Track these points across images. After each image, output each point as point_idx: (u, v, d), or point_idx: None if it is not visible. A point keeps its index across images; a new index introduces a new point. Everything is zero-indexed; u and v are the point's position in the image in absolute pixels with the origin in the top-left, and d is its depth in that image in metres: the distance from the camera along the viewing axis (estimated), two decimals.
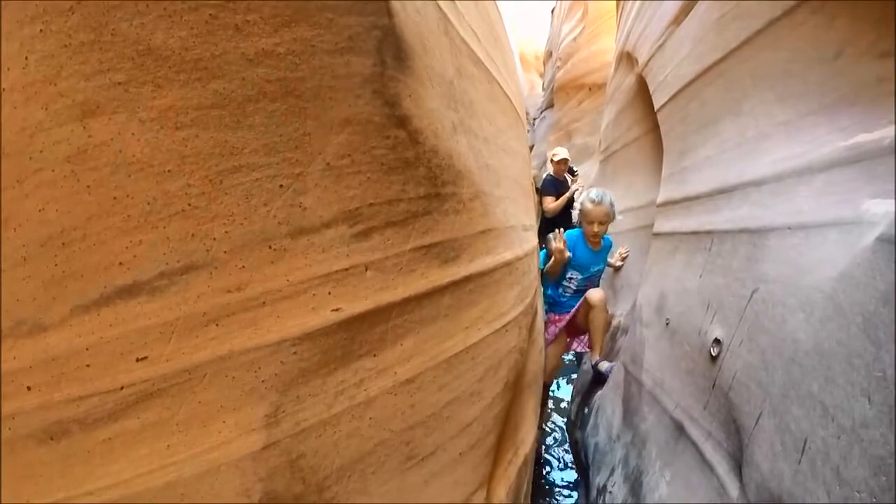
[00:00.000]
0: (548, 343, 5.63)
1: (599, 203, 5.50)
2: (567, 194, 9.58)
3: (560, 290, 5.88)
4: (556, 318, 5.85)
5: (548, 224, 9.01)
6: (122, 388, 1.55)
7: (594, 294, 5.61)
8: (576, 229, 5.85)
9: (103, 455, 1.56)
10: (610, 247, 6.00)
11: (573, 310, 5.75)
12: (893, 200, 1.85)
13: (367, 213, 1.90)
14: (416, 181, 2.04)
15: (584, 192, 5.79)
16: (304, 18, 1.65)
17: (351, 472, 1.95)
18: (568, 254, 5.48)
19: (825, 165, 2.34)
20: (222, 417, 1.66)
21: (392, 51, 1.88)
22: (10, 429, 1.51)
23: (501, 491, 2.82)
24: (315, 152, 1.74)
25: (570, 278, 5.78)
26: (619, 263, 6.19)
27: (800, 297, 2.13)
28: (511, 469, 2.99)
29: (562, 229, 5.71)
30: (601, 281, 6.14)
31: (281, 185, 1.69)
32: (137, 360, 1.55)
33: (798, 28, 2.75)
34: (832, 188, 2.24)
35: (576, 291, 5.82)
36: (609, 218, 5.63)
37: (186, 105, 1.53)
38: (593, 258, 5.76)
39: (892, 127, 2.05)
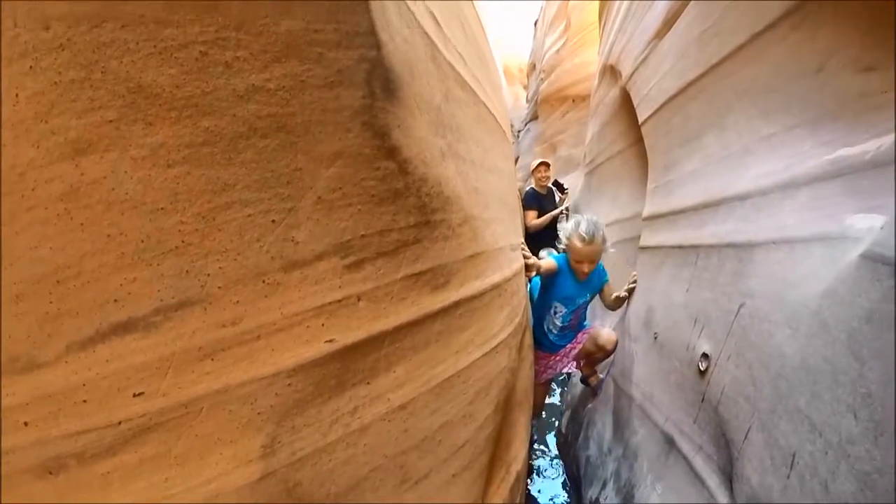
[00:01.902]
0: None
1: (591, 242, 4.74)
2: (552, 213, 9.30)
3: (545, 324, 5.33)
4: (542, 359, 5.37)
5: (531, 240, 7.95)
6: (119, 423, 1.55)
7: (608, 340, 5.01)
8: (560, 256, 5.18)
9: (102, 489, 1.56)
10: (601, 274, 5.21)
11: (567, 350, 5.38)
12: (877, 216, 1.87)
13: (359, 245, 1.91)
14: (406, 210, 2.05)
15: (573, 223, 4.90)
16: (294, 54, 1.67)
17: (346, 498, 1.97)
18: (544, 269, 4.90)
19: (809, 180, 2.36)
20: (219, 450, 1.67)
21: (381, 82, 1.89)
22: (7, 463, 1.50)
23: None
24: (306, 187, 1.75)
25: (555, 312, 5.23)
26: (624, 294, 5.11)
27: (786, 313, 2.16)
28: (503, 487, 3.00)
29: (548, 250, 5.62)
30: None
31: (273, 221, 1.70)
32: (134, 395, 1.56)
33: (780, 43, 2.77)
34: (816, 203, 2.26)
35: (561, 329, 5.28)
36: (600, 257, 5.00)
37: (178, 142, 1.54)
38: (580, 290, 5.14)
39: (875, 141, 2.07)
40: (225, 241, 1.63)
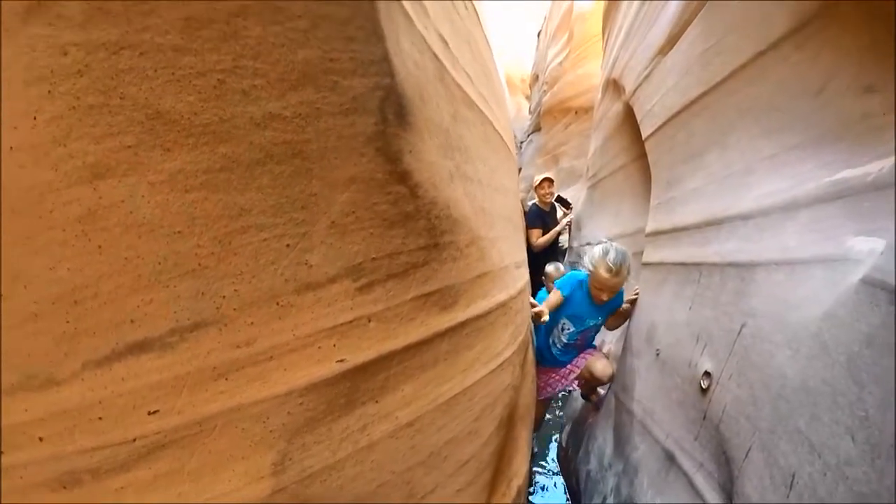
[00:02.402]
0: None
1: (617, 275, 4.60)
2: (556, 230, 9.18)
3: (550, 339, 5.29)
4: (542, 374, 5.31)
5: (534, 258, 7.98)
6: (134, 439, 1.57)
7: (603, 373, 5.01)
8: (582, 273, 5.07)
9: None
10: (618, 298, 5.04)
11: (566, 372, 5.34)
12: (877, 239, 1.88)
13: (370, 268, 1.94)
14: (416, 233, 2.08)
15: (600, 250, 4.68)
16: (310, 82, 1.70)
17: None
18: (545, 318, 4.67)
19: (810, 201, 2.36)
20: (232, 466, 1.70)
21: (394, 108, 1.92)
22: (21, 477, 1.52)
23: None
24: (321, 211, 1.78)
25: (563, 328, 5.16)
26: (626, 306, 5.06)
27: (787, 334, 2.17)
28: (505, 501, 3.01)
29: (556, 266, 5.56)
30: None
31: (288, 245, 1.73)
32: (149, 413, 1.58)
33: (782, 62, 2.78)
34: (817, 224, 2.27)
35: (566, 346, 5.23)
36: (622, 287, 4.89)
37: (196, 168, 1.56)
38: (592, 312, 5.04)
39: (876, 163, 2.08)
40: (240, 265, 1.66)
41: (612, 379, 5.00)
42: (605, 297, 4.80)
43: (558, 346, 5.21)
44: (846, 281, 1.89)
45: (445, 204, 2.24)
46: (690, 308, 3.26)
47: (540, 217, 9.21)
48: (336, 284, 1.86)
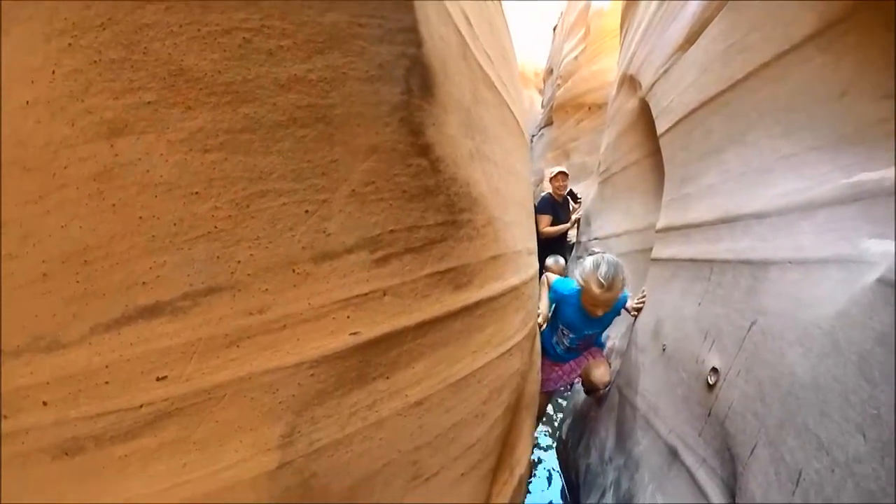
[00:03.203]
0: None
1: (609, 289, 4.41)
2: (564, 226, 9.32)
3: (553, 338, 5.22)
4: (546, 367, 5.17)
5: (542, 246, 8.00)
6: (140, 406, 1.56)
7: (600, 380, 4.90)
8: (572, 284, 4.91)
9: (119, 472, 1.58)
10: (617, 311, 4.91)
11: (568, 370, 5.37)
12: (892, 241, 1.89)
13: (388, 240, 1.92)
14: (435, 208, 2.06)
15: (591, 264, 4.51)
16: (337, 46, 1.68)
17: (360, 491, 1.98)
18: (542, 324, 4.78)
19: (827, 202, 2.35)
20: (239, 437, 1.69)
21: (419, 79, 1.90)
22: (23, 442, 1.52)
23: None
24: (341, 179, 1.76)
25: (563, 332, 5.11)
26: (634, 314, 4.77)
27: (798, 332, 2.16)
28: (507, 489, 3.00)
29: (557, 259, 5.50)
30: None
31: (307, 211, 1.71)
32: (157, 379, 1.57)
33: (805, 64, 2.76)
34: (833, 225, 2.26)
35: (568, 349, 5.19)
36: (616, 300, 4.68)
37: (216, 128, 1.54)
38: (588, 323, 4.90)
39: (893, 168, 2.08)
40: (257, 229, 1.64)
41: (608, 385, 4.95)
42: (599, 313, 4.70)
43: (561, 347, 5.18)
44: (860, 281, 1.88)
45: (465, 181, 2.22)
46: (700, 304, 3.24)
47: (551, 206, 9.32)
48: (353, 255, 1.84)
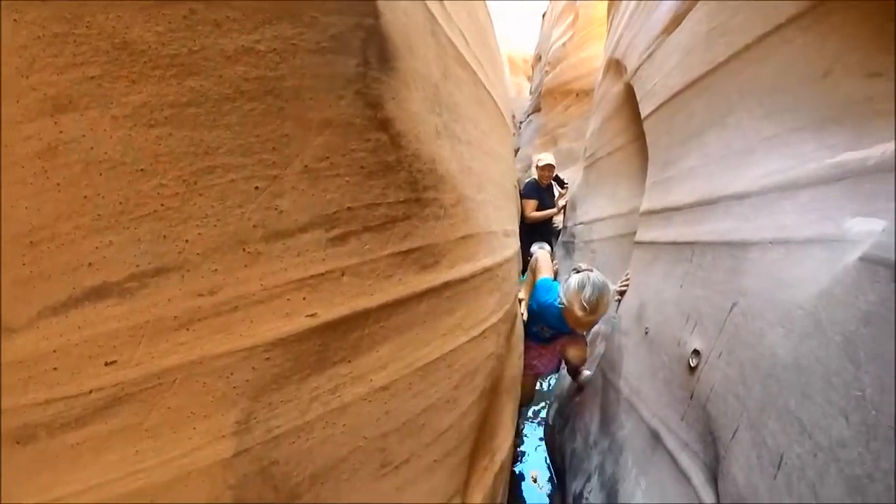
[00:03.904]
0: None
1: (593, 313, 4.24)
2: (548, 212, 9.37)
3: (534, 327, 5.07)
4: (531, 349, 5.16)
5: (527, 231, 8.51)
6: (90, 392, 1.52)
7: (575, 356, 5.05)
8: (555, 295, 4.66)
9: (72, 461, 1.54)
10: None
11: (553, 349, 5.31)
12: (877, 220, 1.85)
13: (345, 218, 1.87)
14: (396, 186, 2.02)
15: (576, 283, 4.29)
16: (287, 16, 1.63)
17: (324, 480, 1.93)
18: (524, 315, 4.78)
19: (810, 182, 2.33)
20: (192, 424, 1.64)
21: (377, 51, 1.86)
22: None
23: (478, 498, 2.80)
24: (293, 154, 1.71)
25: (544, 328, 5.05)
26: (617, 297, 4.71)
27: (780, 313, 2.13)
28: (487, 476, 2.97)
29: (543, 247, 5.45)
30: None
31: (257, 187, 1.66)
32: (106, 363, 1.53)
33: (788, 45, 2.73)
34: (816, 205, 2.24)
35: (551, 338, 5.20)
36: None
37: (161, 102, 1.50)
38: (567, 327, 4.75)
39: (879, 146, 2.04)
40: (205, 207, 1.59)
41: (584, 362, 5.03)
42: (581, 331, 4.75)
43: (545, 335, 5.14)
44: (844, 260, 1.84)
45: (430, 158, 2.18)
46: (681, 287, 3.23)
47: (537, 190, 9.31)
48: (307, 234, 1.79)
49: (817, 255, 2.06)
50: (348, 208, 1.87)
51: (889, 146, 1.98)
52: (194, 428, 1.64)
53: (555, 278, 5.15)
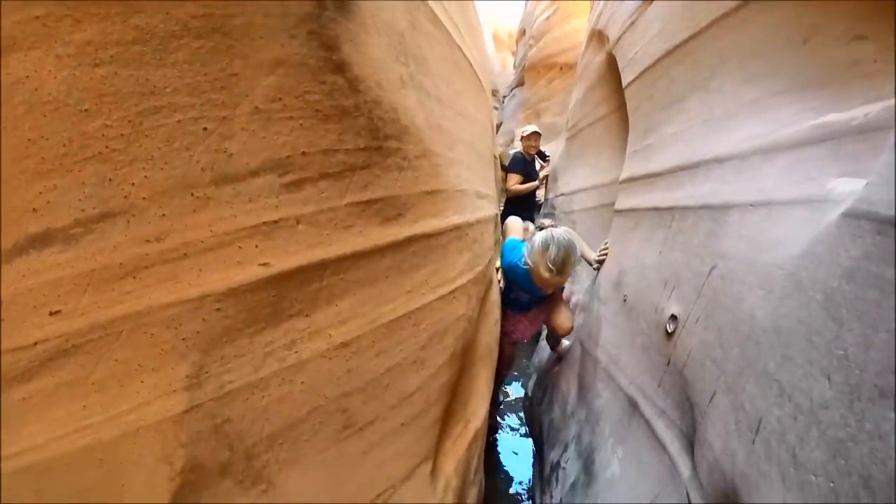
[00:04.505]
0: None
1: (560, 273, 4.19)
2: (532, 184, 9.07)
3: (512, 294, 4.97)
4: (510, 317, 5.12)
5: (511, 206, 8.52)
6: (35, 344, 1.47)
7: (560, 325, 4.94)
8: (520, 254, 4.56)
9: (20, 417, 1.49)
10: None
11: (533, 316, 5.24)
12: (860, 180, 1.78)
13: (300, 163, 1.82)
14: (354, 131, 1.96)
15: (540, 243, 4.22)
16: None
17: (282, 440, 1.89)
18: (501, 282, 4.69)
19: (792, 144, 2.31)
20: (140, 377, 1.58)
21: None
22: None
23: (450, 465, 2.78)
24: (242, 94, 1.66)
25: (518, 292, 4.93)
26: (596, 265, 4.79)
27: (759, 275, 2.10)
28: (460, 443, 2.95)
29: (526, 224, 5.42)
30: None
31: (205, 129, 1.60)
32: (51, 313, 1.48)
33: (769, 11, 2.71)
34: (798, 167, 2.22)
35: (528, 303, 5.08)
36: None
37: (106, 40, 1.45)
38: (539, 291, 4.70)
39: (863, 108, 2.01)
40: (151, 149, 1.54)
41: (571, 331, 4.94)
42: (548, 291, 4.63)
43: (520, 303, 5.06)
44: (826, 220, 1.79)
45: (392, 107, 2.13)
46: (660, 252, 3.21)
47: (522, 164, 9.11)
48: (259, 178, 1.74)
49: (798, 215, 2.03)
50: (303, 153, 1.82)
51: (874, 107, 1.95)
52: (142, 381, 1.59)
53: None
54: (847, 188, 1.84)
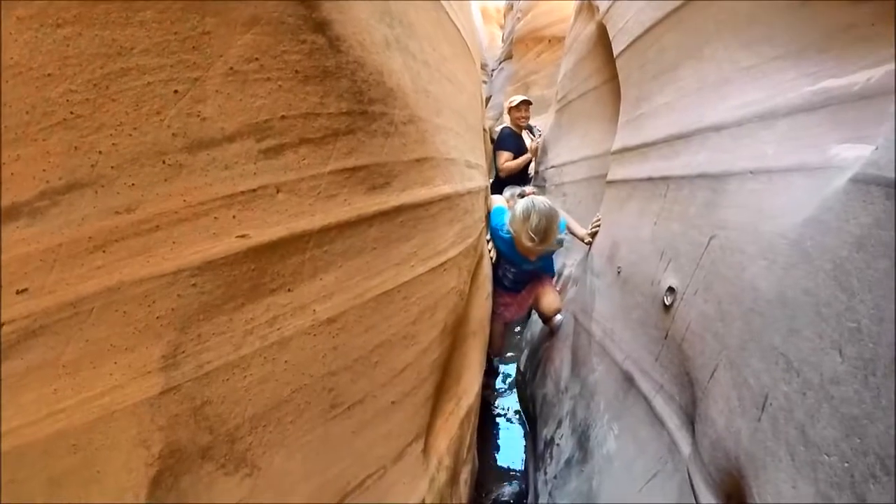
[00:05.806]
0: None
1: (542, 242, 4.22)
2: (524, 158, 8.75)
3: (500, 271, 5.02)
4: (499, 296, 5.10)
5: (501, 183, 7.92)
6: (2, 325, 1.38)
7: (548, 307, 5.03)
8: (504, 219, 4.60)
9: None
10: (559, 244, 4.79)
11: (521, 298, 5.27)
12: (864, 146, 1.75)
13: (279, 128, 1.74)
14: (337, 95, 1.89)
15: (521, 212, 4.26)
16: None
17: (266, 422, 1.82)
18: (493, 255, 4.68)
19: (790, 110, 2.26)
20: (113, 358, 1.51)
21: None
22: None
23: (442, 443, 2.74)
24: (215, 54, 1.57)
25: (505, 266, 4.97)
26: (588, 240, 4.75)
27: (761, 244, 2.04)
28: (452, 420, 2.91)
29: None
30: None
31: (176, 91, 1.52)
32: (17, 292, 1.40)
33: None
34: (798, 133, 2.17)
35: (514, 280, 5.09)
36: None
37: None
38: (526, 261, 4.71)
39: (864, 73, 1.97)
40: (119, 114, 1.45)
41: (557, 312, 4.99)
42: (532, 258, 4.57)
43: (510, 277, 5.06)
44: (830, 187, 1.73)
45: (377, 69, 2.05)
46: (656, 223, 3.17)
47: (513, 139, 8.80)
48: (236, 144, 1.65)
49: (800, 183, 1.98)
50: (282, 117, 1.74)
51: (875, 72, 1.91)
52: (115, 363, 1.51)
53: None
54: (851, 154, 1.79)
